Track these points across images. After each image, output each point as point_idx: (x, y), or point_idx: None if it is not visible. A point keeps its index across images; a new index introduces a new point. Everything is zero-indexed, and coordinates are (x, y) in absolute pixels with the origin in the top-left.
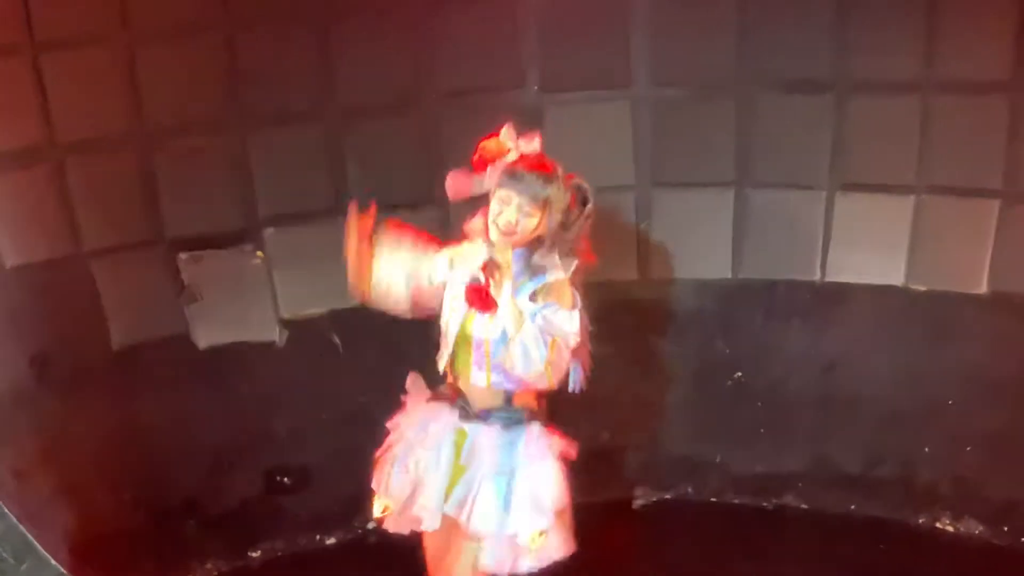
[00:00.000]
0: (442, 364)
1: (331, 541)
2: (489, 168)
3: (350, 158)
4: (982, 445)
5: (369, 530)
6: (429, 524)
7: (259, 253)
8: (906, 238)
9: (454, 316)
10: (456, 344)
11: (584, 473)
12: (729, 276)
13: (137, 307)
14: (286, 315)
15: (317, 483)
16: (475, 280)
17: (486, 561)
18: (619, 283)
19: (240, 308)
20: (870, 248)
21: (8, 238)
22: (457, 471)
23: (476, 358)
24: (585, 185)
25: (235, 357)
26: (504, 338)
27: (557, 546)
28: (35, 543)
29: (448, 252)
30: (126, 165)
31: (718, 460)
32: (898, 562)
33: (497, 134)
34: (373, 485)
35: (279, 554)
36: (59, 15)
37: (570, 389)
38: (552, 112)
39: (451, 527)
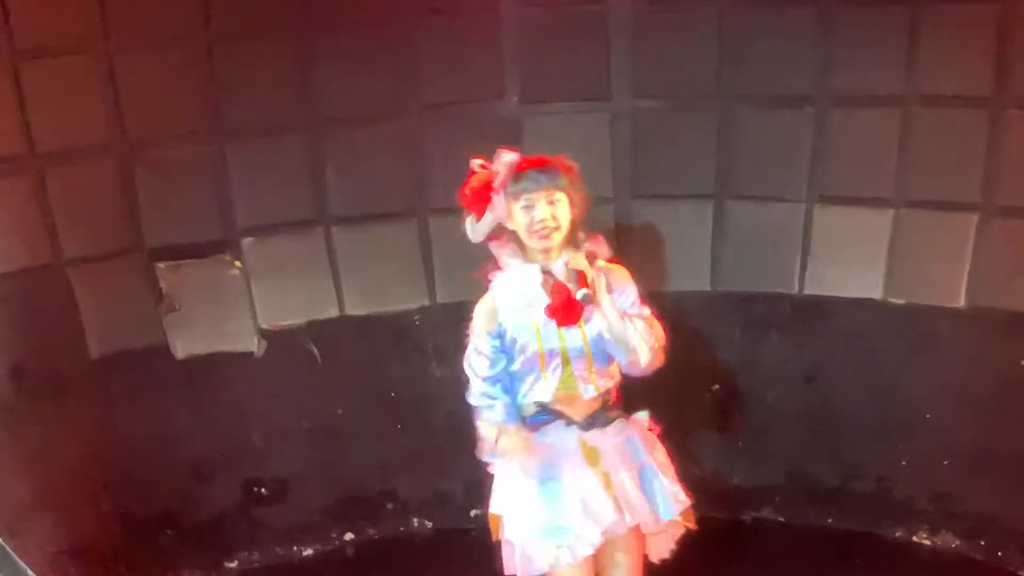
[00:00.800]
0: (547, 395)
1: (308, 552)
2: (494, 195)
3: (330, 169)
4: (959, 459)
5: (346, 541)
6: (596, 544)
7: (237, 263)
8: (884, 251)
9: (545, 344)
10: (560, 363)
11: None
12: (708, 288)
13: (115, 317)
14: (264, 325)
15: (294, 494)
16: (586, 300)
17: (658, 551)
18: None
19: (218, 318)
20: (849, 261)
21: None
22: (607, 482)
23: (579, 372)
24: (572, 162)
25: (213, 367)
26: (599, 338)
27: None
28: (11, 552)
29: (488, 311)
30: (105, 175)
31: (696, 473)
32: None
33: (468, 181)
34: (517, 539)
35: (256, 565)
36: (39, 24)
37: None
38: (531, 124)
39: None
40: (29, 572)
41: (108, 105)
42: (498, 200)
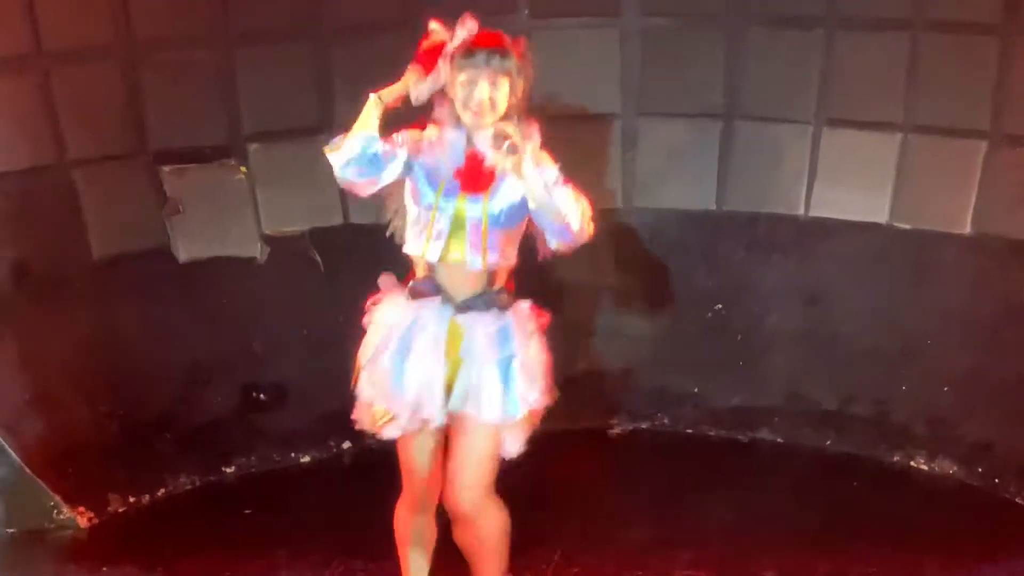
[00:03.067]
0: (434, 254)
1: (305, 459)
2: (441, 61)
3: (337, 77)
4: (958, 385)
5: (344, 449)
6: (438, 421)
7: (242, 168)
8: (891, 176)
9: (443, 203)
10: (451, 229)
11: (560, 401)
12: (713, 208)
13: (118, 218)
14: (267, 231)
15: (293, 401)
16: (511, 152)
17: (505, 447)
18: (602, 211)
19: (222, 223)
20: (855, 185)
21: None
22: (454, 365)
23: (471, 240)
24: (526, 46)
25: (215, 272)
26: (500, 216)
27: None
28: (9, 450)
29: (408, 138)
30: (112, 76)
31: (695, 392)
32: (871, 499)
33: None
34: (364, 394)
35: (253, 471)
36: None
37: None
38: (541, 38)
39: (436, 430)
40: (26, 470)
41: (116, 6)
42: (443, 67)
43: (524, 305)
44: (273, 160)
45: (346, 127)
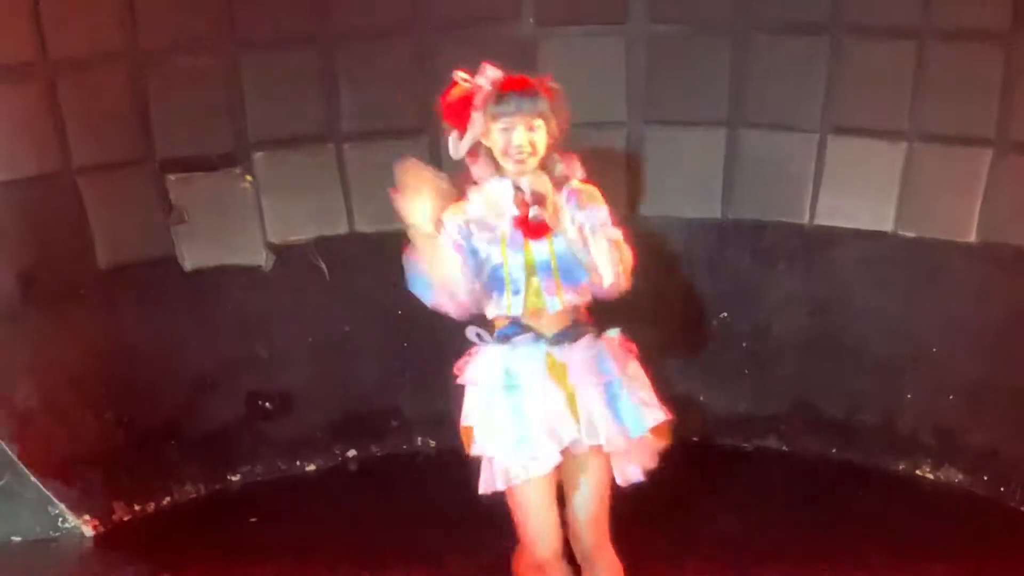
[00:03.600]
0: (517, 308)
1: (311, 468)
2: (474, 112)
3: (343, 84)
4: (964, 394)
5: (349, 457)
6: (556, 460)
7: (248, 177)
8: (897, 184)
9: (511, 257)
10: (525, 279)
11: None
12: (718, 216)
13: (124, 226)
14: (273, 240)
15: (299, 409)
16: (537, 220)
17: (626, 473)
18: None
19: (227, 231)
20: (860, 193)
21: None
22: (570, 400)
23: (546, 286)
24: (556, 84)
25: (221, 280)
26: (568, 253)
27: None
28: (15, 458)
29: (454, 216)
30: (118, 83)
31: (701, 400)
32: (878, 508)
33: (450, 90)
34: (486, 452)
35: (258, 479)
36: None
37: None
38: (546, 46)
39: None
40: (32, 478)
41: (123, 13)
42: (477, 118)
43: (612, 333)
44: (279, 169)
45: (352, 135)
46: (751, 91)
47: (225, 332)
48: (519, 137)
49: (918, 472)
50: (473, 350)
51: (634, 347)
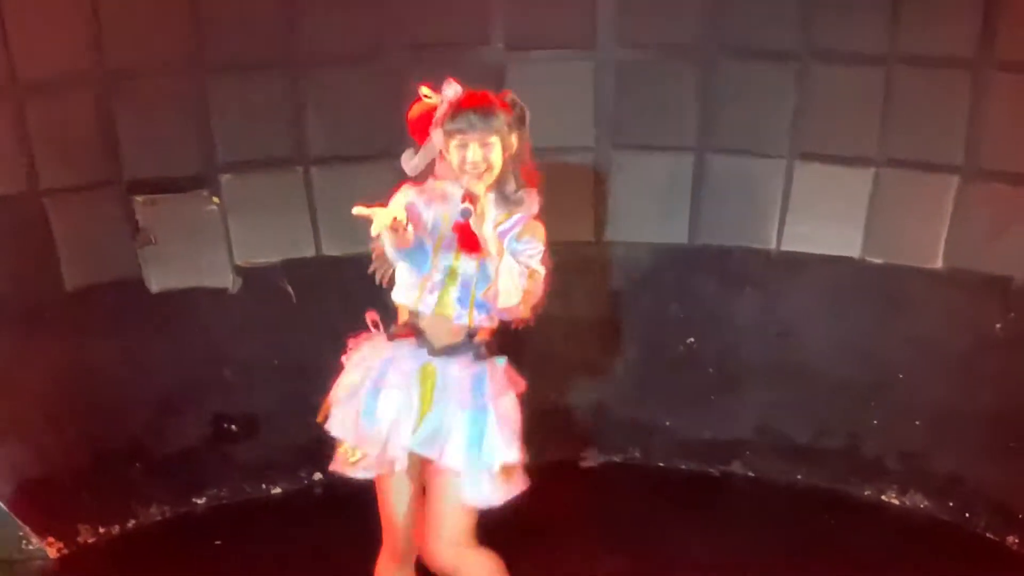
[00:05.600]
0: (426, 307)
1: (277, 490)
2: (432, 129)
3: (311, 108)
4: (930, 419)
5: (315, 480)
6: (400, 464)
7: (215, 199)
8: (864, 210)
9: (441, 258)
10: (445, 283)
11: (532, 433)
12: (685, 241)
13: (91, 248)
14: (240, 262)
15: (265, 432)
16: (465, 215)
17: (469, 495)
18: (575, 244)
19: (194, 253)
20: (827, 219)
21: None
22: (424, 408)
23: (460, 296)
24: (518, 100)
25: (187, 302)
26: (486, 274)
27: (519, 479)
28: None
29: (412, 194)
30: (85, 105)
31: (667, 425)
32: (843, 533)
33: (416, 102)
34: (335, 431)
35: (224, 501)
36: None
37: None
38: (515, 70)
39: (413, 469)
40: None
41: (90, 35)
42: (436, 134)
43: (501, 361)
44: (246, 191)
45: (320, 159)
46: (719, 116)
47: (191, 354)
48: (473, 154)
49: (884, 497)
50: (365, 335)
51: (521, 381)
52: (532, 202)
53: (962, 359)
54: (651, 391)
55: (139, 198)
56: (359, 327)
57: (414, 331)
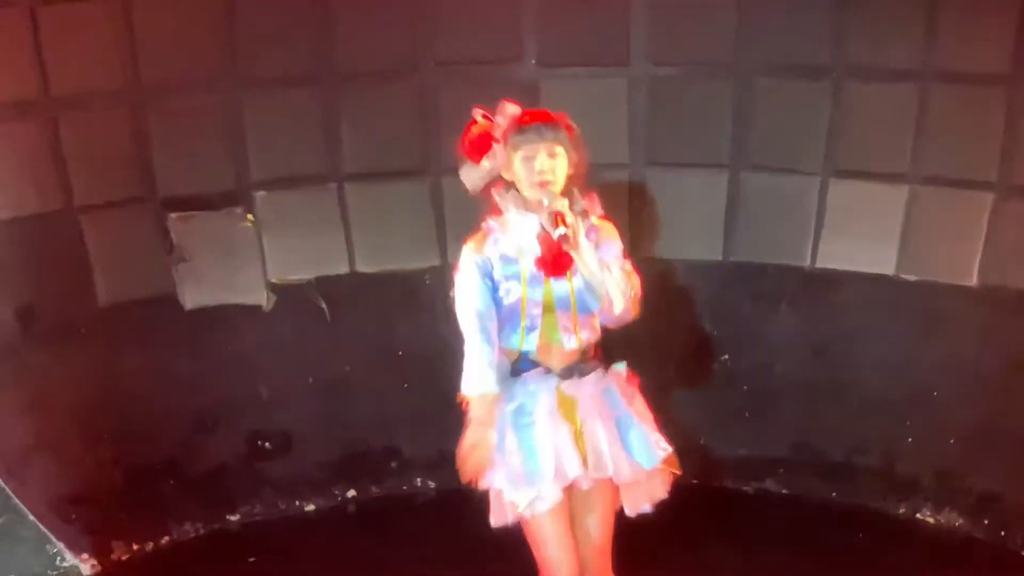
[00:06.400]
0: (531, 345)
1: (310, 508)
2: (495, 144)
3: (345, 124)
4: (965, 437)
5: (349, 498)
6: (585, 484)
7: (249, 216)
8: (898, 227)
9: (531, 293)
10: (544, 313)
11: None
12: (720, 258)
13: (125, 265)
14: (274, 279)
15: (298, 449)
16: (561, 236)
17: (636, 505)
18: None
19: (228, 270)
20: (862, 236)
21: None
22: (577, 434)
23: (563, 324)
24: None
25: (221, 319)
26: (586, 289)
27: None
28: (13, 497)
29: (477, 255)
30: (120, 122)
31: (701, 442)
32: (878, 551)
33: (469, 128)
34: (499, 485)
35: (258, 518)
36: None
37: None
38: (548, 87)
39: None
40: (30, 516)
41: (125, 52)
42: (499, 149)
43: (619, 367)
44: (280, 208)
45: (354, 176)
46: (753, 133)
47: (225, 371)
48: (542, 163)
49: (918, 515)
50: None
51: (637, 380)
52: (595, 204)
53: (997, 376)
54: (685, 408)
55: (173, 215)
56: (395, 344)
57: (532, 363)
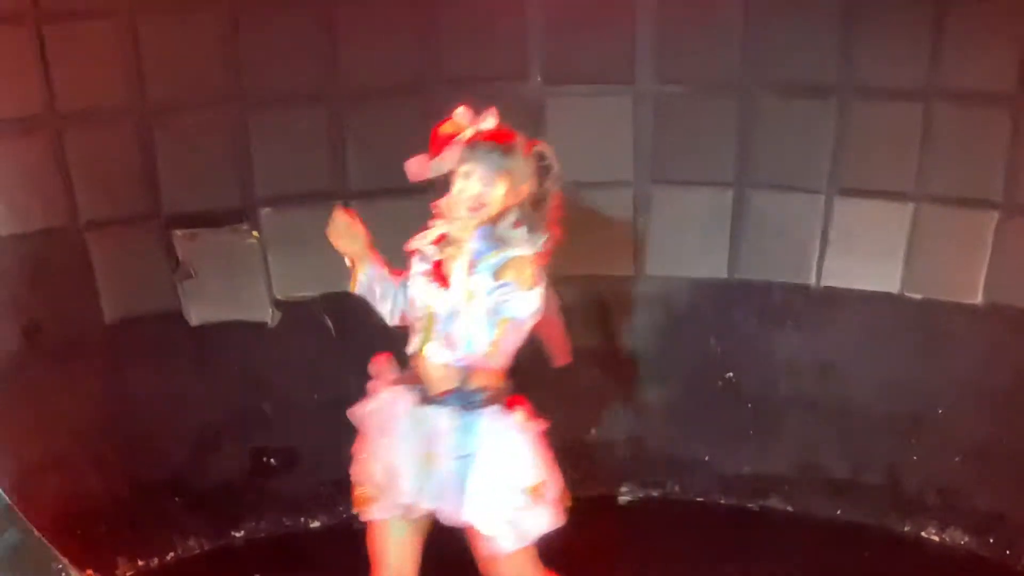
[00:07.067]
0: (413, 346)
1: (315, 524)
2: (448, 149)
3: (351, 141)
4: (970, 455)
5: (354, 515)
6: (410, 511)
7: (254, 233)
8: (903, 246)
9: (425, 294)
10: (426, 322)
11: (569, 468)
12: (725, 276)
13: (131, 281)
14: (279, 296)
15: (304, 465)
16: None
17: (502, 543)
18: (614, 278)
19: (233, 287)
20: (867, 254)
21: (4, 206)
22: (428, 458)
23: (441, 336)
24: (548, 151)
25: (227, 336)
26: (452, 315)
27: (539, 523)
28: (18, 513)
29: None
30: (125, 138)
31: (706, 459)
32: (882, 570)
33: (445, 121)
34: (353, 475)
35: (263, 535)
36: None
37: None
38: (554, 105)
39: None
40: (34, 531)
41: (130, 68)
42: (449, 155)
43: (494, 407)
44: (286, 225)
45: (360, 193)
46: (758, 151)
47: (231, 388)
48: (471, 188)
49: (923, 534)
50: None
51: (541, 424)
52: (529, 241)
53: (1002, 394)
54: (690, 426)
55: (179, 232)
56: (400, 361)
57: (415, 377)
